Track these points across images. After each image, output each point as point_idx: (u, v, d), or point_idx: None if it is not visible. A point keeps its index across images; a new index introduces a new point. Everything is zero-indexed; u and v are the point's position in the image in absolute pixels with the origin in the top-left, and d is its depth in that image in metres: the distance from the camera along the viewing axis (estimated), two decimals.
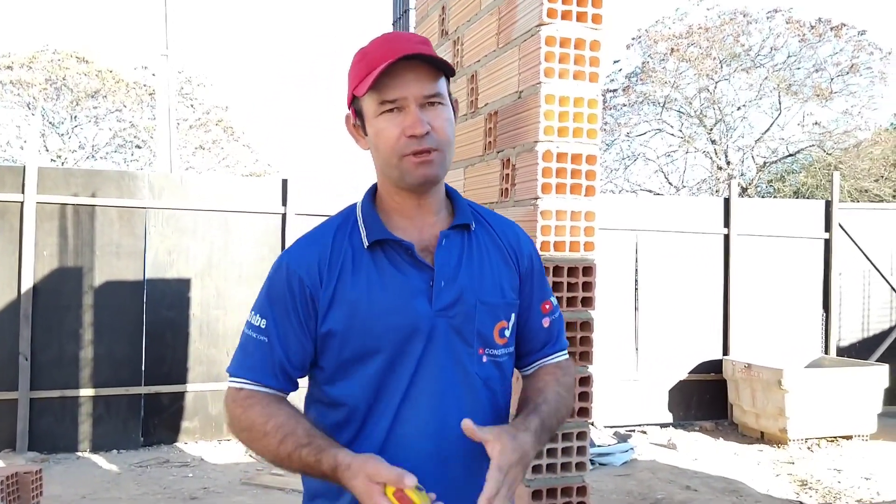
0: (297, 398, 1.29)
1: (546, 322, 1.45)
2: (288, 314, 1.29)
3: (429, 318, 1.29)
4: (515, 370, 1.47)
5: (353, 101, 1.33)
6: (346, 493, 1.24)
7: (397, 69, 1.24)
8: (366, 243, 1.31)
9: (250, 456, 5.99)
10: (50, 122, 17.61)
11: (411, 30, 3.68)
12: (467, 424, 1.20)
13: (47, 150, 17.56)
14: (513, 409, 1.41)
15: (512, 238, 1.43)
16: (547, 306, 1.45)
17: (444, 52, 3.10)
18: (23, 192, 6.12)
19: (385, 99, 1.26)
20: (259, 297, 1.33)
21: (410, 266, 1.30)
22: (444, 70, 1.29)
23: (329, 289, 1.28)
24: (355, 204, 1.39)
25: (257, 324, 1.30)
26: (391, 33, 1.37)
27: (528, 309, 1.42)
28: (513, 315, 1.38)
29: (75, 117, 17.73)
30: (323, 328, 1.29)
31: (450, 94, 1.33)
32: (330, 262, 1.30)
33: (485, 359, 1.34)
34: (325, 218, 1.45)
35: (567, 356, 1.51)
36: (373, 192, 1.39)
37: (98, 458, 6.00)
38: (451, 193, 1.41)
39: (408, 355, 1.28)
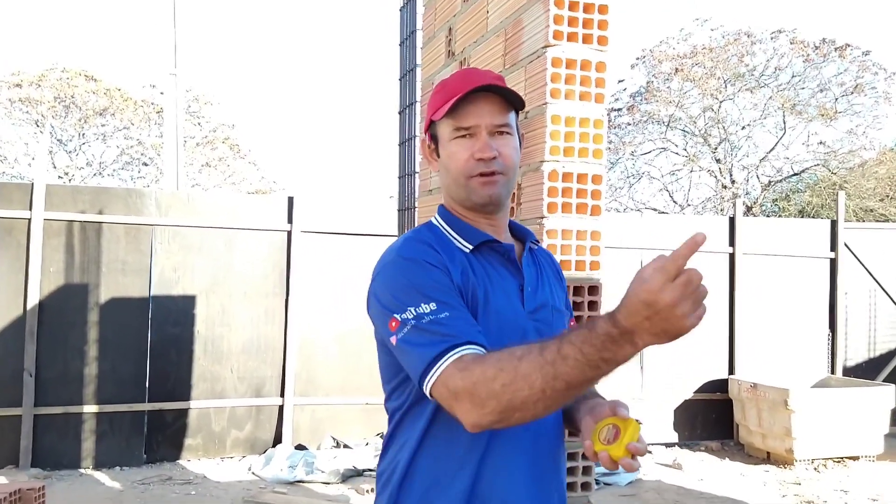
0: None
1: None
2: (447, 291, 1.27)
3: (523, 318, 1.38)
4: None
5: (430, 127, 1.47)
6: (458, 478, 1.30)
7: (473, 99, 1.37)
8: (468, 248, 1.39)
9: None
10: (58, 140, 17.74)
11: (417, 50, 3.71)
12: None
13: (55, 168, 17.67)
14: None
15: (555, 262, 1.60)
16: (571, 322, 1.59)
17: (450, 73, 3.13)
18: (30, 209, 6.15)
19: (460, 125, 1.38)
20: (402, 292, 1.27)
21: (505, 269, 1.41)
22: (515, 104, 1.42)
23: (457, 278, 1.32)
24: (430, 224, 1.45)
25: (426, 310, 1.24)
26: (470, 69, 1.52)
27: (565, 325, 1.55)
28: (568, 326, 1.50)
29: (83, 135, 17.86)
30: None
31: (518, 128, 1.46)
32: (446, 256, 1.33)
33: None
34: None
35: None
36: (446, 211, 1.46)
37: (101, 475, 5.99)
38: (513, 225, 1.54)
39: None
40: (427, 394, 1.22)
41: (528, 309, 1.39)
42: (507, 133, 1.40)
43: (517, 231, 1.53)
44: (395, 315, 1.26)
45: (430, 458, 1.34)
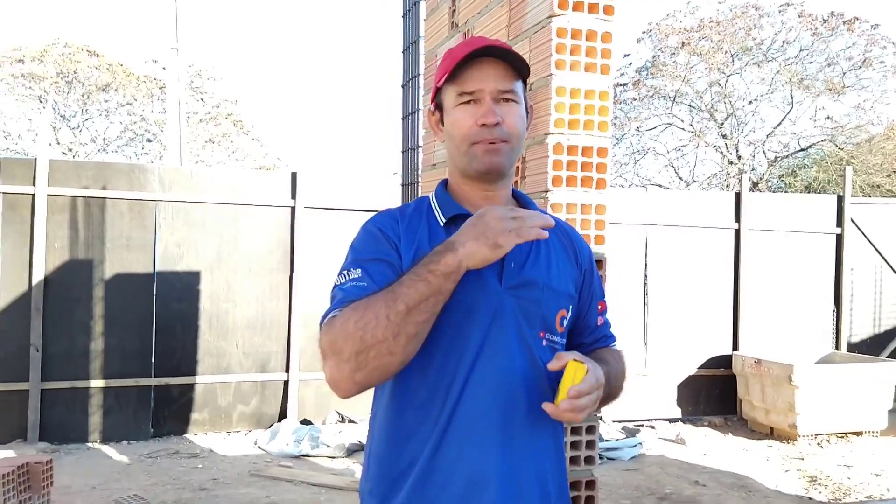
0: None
1: (600, 321, 1.55)
2: (379, 259, 1.32)
3: (497, 295, 1.33)
4: None
5: (436, 96, 1.44)
6: (420, 452, 1.29)
7: (477, 64, 1.35)
8: (442, 220, 1.39)
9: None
10: (61, 116, 17.70)
11: (421, 22, 3.67)
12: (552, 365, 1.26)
13: (59, 144, 17.65)
14: None
15: (574, 238, 1.53)
16: (601, 306, 1.55)
17: (452, 45, 3.09)
18: (34, 185, 6.14)
19: (463, 90, 1.36)
20: (347, 258, 1.36)
21: None
22: (521, 72, 1.39)
23: (409, 256, 1.33)
24: (426, 195, 1.48)
25: (352, 276, 1.30)
26: (478, 37, 1.51)
27: (588, 306, 1.51)
28: (571, 307, 1.45)
29: (86, 110, 17.81)
30: None
31: (526, 99, 1.43)
32: (408, 229, 1.37)
33: (544, 342, 1.38)
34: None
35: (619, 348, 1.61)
36: (444, 184, 1.48)
37: (108, 449, 6.04)
38: (518, 196, 1.51)
39: (474, 328, 1.32)
40: None
41: (508, 284, 1.34)
42: (513, 101, 1.37)
43: (521, 202, 1.49)
44: (339, 274, 1.33)
45: (393, 432, 1.34)
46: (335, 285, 1.32)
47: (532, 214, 1.18)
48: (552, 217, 1.49)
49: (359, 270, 1.30)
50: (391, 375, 1.23)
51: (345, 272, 1.32)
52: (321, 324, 1.27)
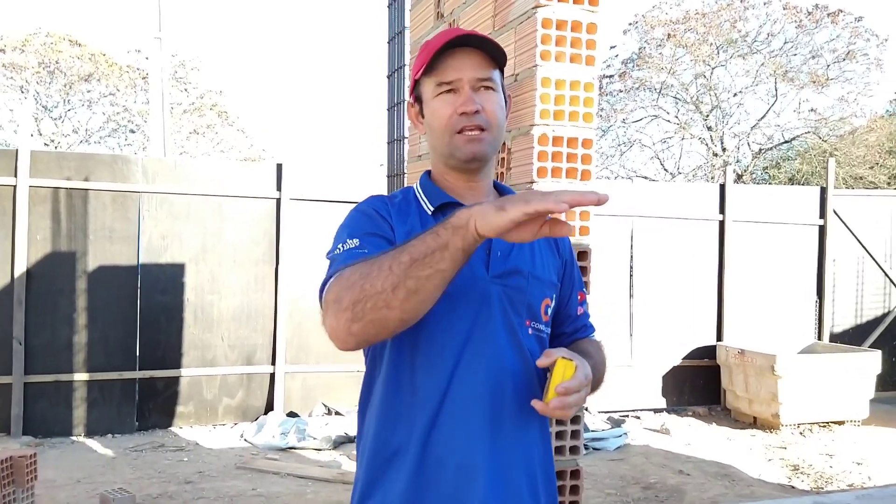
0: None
1: (580, 310, 1.56)
2: (376, 234, 1.32)
3: (484, 283, 1.34)
4: None
5: (415, 88, 1.45)
6: (411, 440, 1.30)
7: (455, 54, 1.36)
8: (430, 210, 1.40)
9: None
10: (43, 106, 17.49)
11: (406, 12, 3.65)
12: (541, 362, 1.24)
13: (41, 134, 17.45)
14: None
15: None
16: (581, 296, 1.56)
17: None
18: (15, 176, 6.07)
19: (442, 81, 1.37)
20: (340, 235, 1.34)
21: None
22: (498, 61, 1.40)
23: (401, 235, 1.34)
24: (411, 186, 1.48)
25: (350, 245, 1.29)
26: (454, 28, 1.51)
27: (568, 296, 1.52)
28: (554, 296, 1.46)
29: (68, 101, 17.61)
30: None
31: (504, 88, 1.44)
32: (399, 214, 1.38)
33: (530, 331, 1.40)
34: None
35: (598, 338, 1.62)
36: (428, 175, 1.48)
37: (93, 443, 6.01)
38: (498, 186, 1.51)
39: (462, 315, 1.32)
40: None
41: (494, 273, 1.35)
42: (492, 89, 1.38)
43: (502, 193, 1.50)
44: (333, 250, 1.31)
45: (385, 416, 1.35)
46: (331, 255, 1.30)
47: (566, 191, 1.10)
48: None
49: (356, 240, 1.29)
50: (390, 333, 1.19)
51: (340, 245, 1.30)
52: (321, 289, 1.24)
